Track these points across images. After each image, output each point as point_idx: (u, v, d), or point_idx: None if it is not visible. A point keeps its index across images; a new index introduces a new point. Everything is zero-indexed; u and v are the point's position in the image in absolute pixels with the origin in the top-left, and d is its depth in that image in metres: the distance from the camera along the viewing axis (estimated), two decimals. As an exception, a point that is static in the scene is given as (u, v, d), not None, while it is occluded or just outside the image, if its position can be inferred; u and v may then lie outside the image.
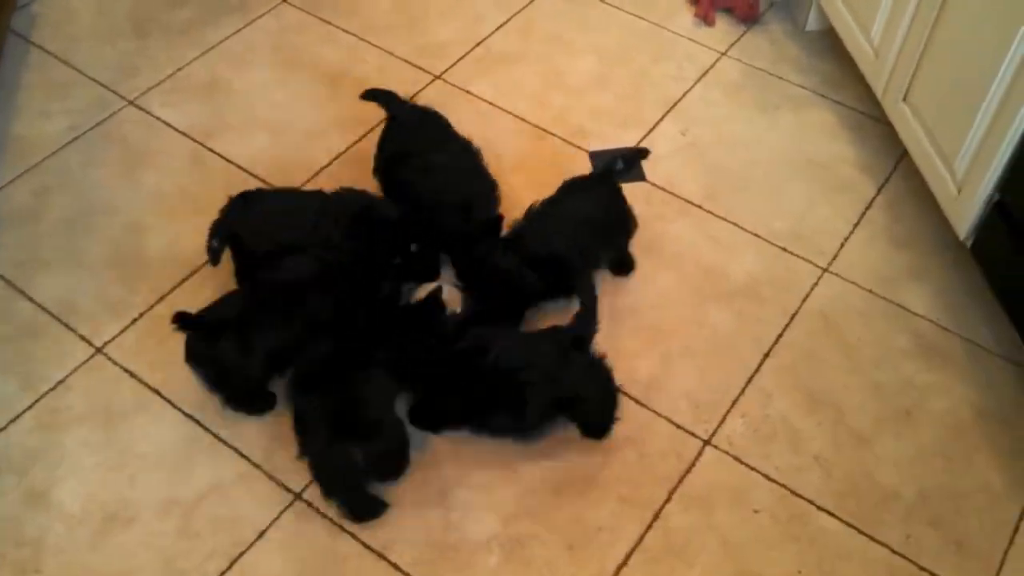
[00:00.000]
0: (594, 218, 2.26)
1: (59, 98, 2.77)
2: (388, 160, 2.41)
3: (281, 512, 1.99)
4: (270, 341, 2.03)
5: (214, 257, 2.21)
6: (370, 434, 1.93)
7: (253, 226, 2.21)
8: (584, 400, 2.05)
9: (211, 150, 2.65)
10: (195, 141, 2.67)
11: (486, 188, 2.39)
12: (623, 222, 2.35)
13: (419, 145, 2.37)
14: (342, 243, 2.19)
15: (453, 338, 2.06)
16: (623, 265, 2.39)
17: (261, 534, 1.96)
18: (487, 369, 1.99)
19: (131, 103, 2.77)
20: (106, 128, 2.70)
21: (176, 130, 2.70)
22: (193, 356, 2.04)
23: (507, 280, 2.19)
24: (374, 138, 2.50)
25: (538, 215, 2.27)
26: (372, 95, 2.49)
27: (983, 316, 2.32)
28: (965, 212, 2.21)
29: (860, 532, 1.99)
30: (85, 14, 3.03)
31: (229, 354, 2.00)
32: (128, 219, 2.48)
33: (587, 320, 2.04)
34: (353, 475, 1.94)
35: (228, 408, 2.11)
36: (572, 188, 2.32)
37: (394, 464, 2.02)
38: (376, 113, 2.50)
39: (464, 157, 2.40)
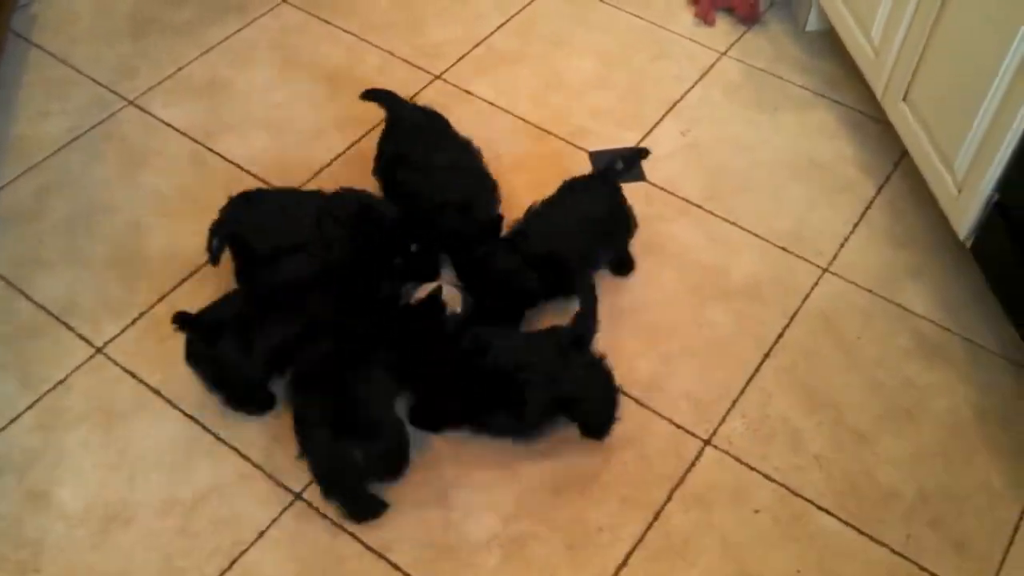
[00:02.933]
0: (594, 218, 2.26)
1: (59, 98, 2.77)
2: (388, 160, 2.41)
3: (281, 512, 1.99)
4: (270, 341, 2.03)
5: (214, 257, 2.21)
6: (370, 434, 1.93)
7: (253, 226, 2.21)
8: (584, 400, 2.04)
9: (211, 150, 2.65)
10: (195, 141, 2.67)
11: (486, 188, 2.39)
12: (623, 222, 2.35)
13: (419, 145, 2.37)
14: (342, 243, 2.19)
15: (453, 338, 2.05)
16: (623, 265, 2.39)
17: (261, 534, 1.96)
18: (487, 369, 1.99)
19: (131, 103, 2.77)
20: (106, 128, 2.70)
21: (176, 130, 2.70)
22: (193, 356, 2.04)
23: (507, 280, 2.19)
24: (374, 138, 2.50)
25: (538, 215, 2.27)
26: (372, 95, 2.49)
27: (983, 316, 2.32)
28: (965, 212, 2.21)
29: (860, 532, 1.99)
30: (85, 14, 3.03)
31: (229, 354, 2.00)
32: (128, 219, 2.48)
33: (587, 320, 2.04)
34: (353, 475, 1.94)
35: (228, 408, 2.11)
36: (572, 188, 2.32)
37: (394, 464, 2.01)
38: (376, 113, 2.49)
39: (464, 157, 2.40)
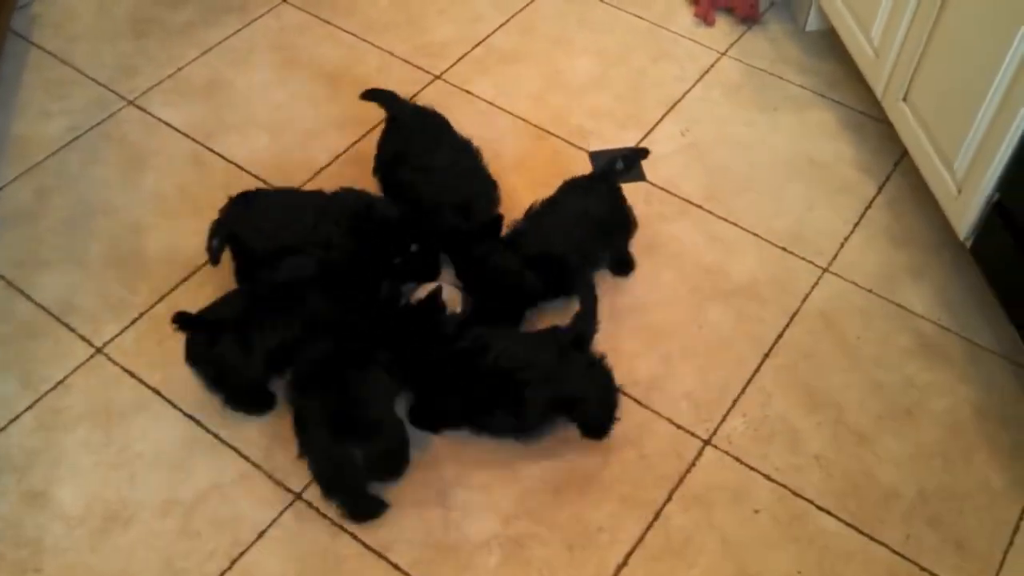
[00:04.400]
0: (594, 218, 2.26)
1: (59, 98, 2.77)
2: (388, 160, 2.41)
3: (281, 512, 1.99)
4: (270, 341, 2.03)
5: (214, 257, 2.21)
6: (370, 434, 1.93)
7: (253, 226, 2.21)
8: (584, 400, 2.04)
9: (211, 150, 2.65)
10: (195, 141, 2.67)
11: (486, 188, 2.39)
12: (623, 222, 2.35)
13: (419, 145, 2.37)
14: (342, 243, 2.19)
15: (453, 338, 2.05)
16: (623, 265, 2.39)
17: (261, 534, 1.96)
18: (487, 369, 1.99)
19: (131, 103, 2.77)
20: (106, 128, 2.70)
21: (176, 130, 2.70)
22: (193, 356, 2.04)
23: (506, 280, 2.19)
24: (374, 138, 2.50)
25: (538, 215, 2.27)
26: (372, 95, 2.49)
27: (983, 316, 2.32)
28: (965, 212, 2.21)
29: (860, 532, 1.99)
30: (85, 14, 3.03)
31: (229, 354, 2.00)
32: (128, 219, 2.48)
33: (587, 320, 2.04)
34: (353, 475, 1.94)
35: (228, 408, 2.11)
36: (572, 188, 2.32)
37: (394, 464, 2.02)
38: (376, 113, 2.49)
39: (464, 157, 2.40)
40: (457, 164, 2.37)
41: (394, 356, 2.00)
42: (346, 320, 2.05)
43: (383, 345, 2.00)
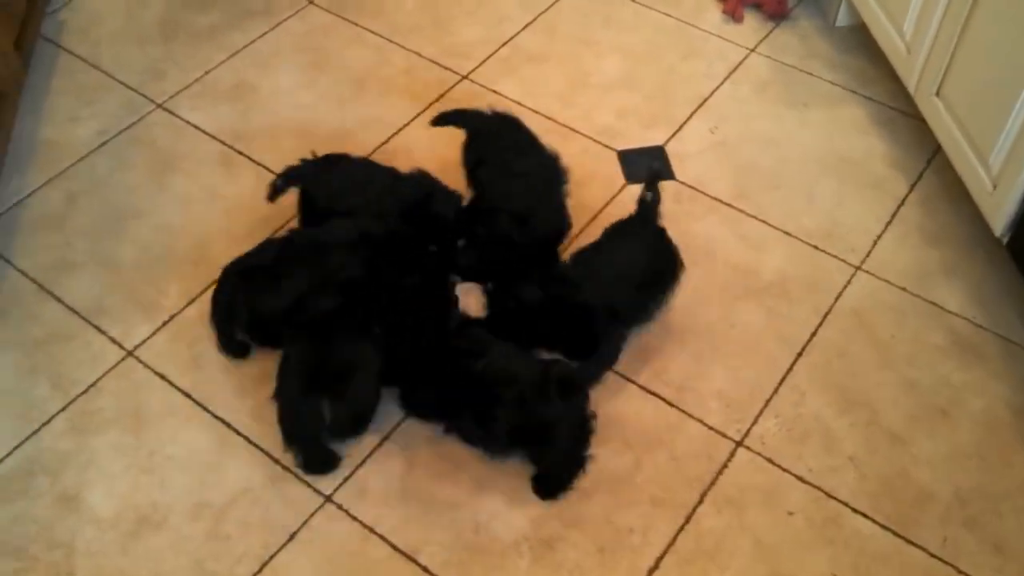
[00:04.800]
0: (639, 268, 2.18)
1: (88, 102, 2.79)
2: (472, 166, 2.39)
3: (311, 515, 1.99)
4: (295, 289, 2.09)
5: (273, 193, 2.28)
6: (341, 394, 1.99)
7: (323, 184, 2.30)
8: (549, 443, 1.97)
9: (239, 152, 2.66)
10: (223, 144, 2.68)
11: (551, 205, 2.32)
12: (669, 270, 2.25)
13: (503, 149, 2.36)
14: (394, 220, 2.23)
15: (452, 334, 2.06)
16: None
17: (292, 536, 1.96)
18: (471, 373, 1.97)
19: (160, 107, 2.78)
20: (135, 132, 2.72)
21: (204, 133, 2.71)
22: (216, 295, 2.17)
23: (524, 316, 2.14)
24: (402, 139, 2.50)
25: (582, 261, 2.19)
26: (444, 120, 2.45)
27: (1019, 313, 2.29)
28: (1001, 208, 2.18)
29: (896, 534, 1.96)
30: (113, 19, 3.04)
31: (259, 292, 2.11)
32: (157, 222, 2.49)
33: (591, 370, 2.00)
34: (315, 427, 1.99)
35: (225, 353, 2.18)
36: (618, 233, 2.24)
37: (354, 426, 2.06)
38: (401, 115, 2.49)
39: (543, 170, 2.36)
40: (533, 174, 2.34)
41: (388, 331, 2.04)
42: (360, 288, 2.10)
43: (383, 318, 2.04)
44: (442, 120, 2.46)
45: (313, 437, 2.01)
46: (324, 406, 2.00)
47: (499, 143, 2.37)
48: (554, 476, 2.01)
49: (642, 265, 2.19)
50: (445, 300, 2.12)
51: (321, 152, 2.35)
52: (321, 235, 2.20)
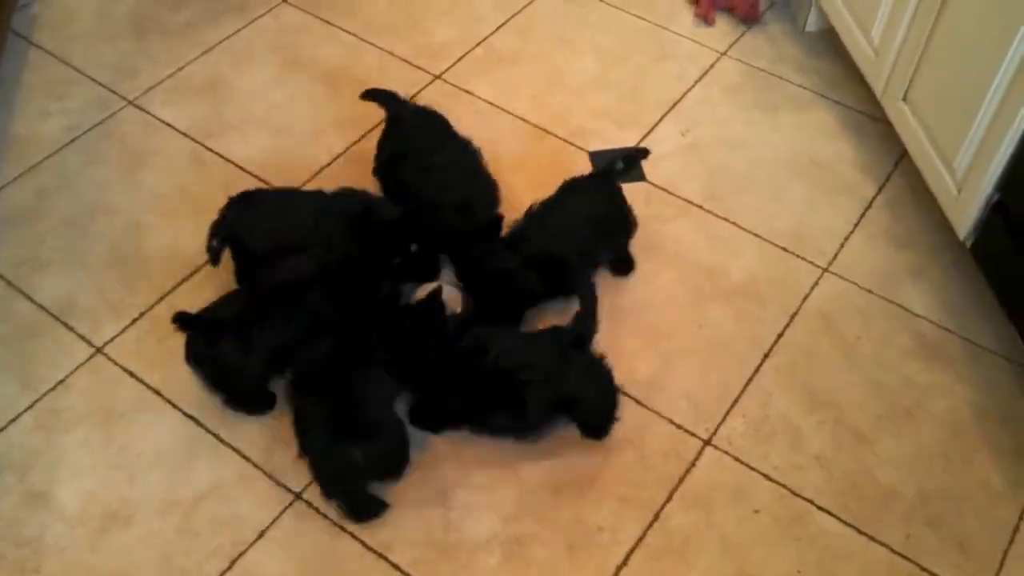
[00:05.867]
0: (594, 218, 2.26)
1: (59, 98, 2.77)
2: (388, 160, 2.41)
3: (281, 512, 1.99)
4: (270, 340, 2.02)
5: (214, 257, 2.21)
6: (370, 434, 1.92)
7: (253, 226, 2.21)
8: (584, 400, 2.04)
9: (211, 150, 2.65)
10: (195, 141, 2.67)
11: (486, 188, 2.38)
12: (623, 222, 2.35)
13: (419, 144, 2.37)
14: (342, 243, 2.19)
15: (453, 338, 2.05)
16: (623, 265, 2.39)
17: (261, 534, 1.96)
18: (487, 369, 1.99)
19: (131, 103, 2.77)
20: (106, 128, 2.70)
21: (176, 130, 2.70)
22: (193, 356, 2.04)
23: (507, 280, 2.19)
24: (374, 138, 2.50)
25: (537, 215, 2.26)
26: (372, 95, 2.49)
27: (983, 316, 2.32)
28: (965, 212, 2.21)
29: (860, 532, 1.99)
30: (85, 14, 3.02)
31: (229, 354, 2.00)
32: (128, 219, 2.48)
33: (587, 320, 2.04)
34: (353, 475, 1.93)
35: (228, 408, 2.11)
36: (572, 188, 2.31)
37: (394, 464, 2.01)
38: (376, 113, 2.49)
39: (464, 157, 2.40)
40: (457, 164, 2.37)
41: (393, 356, 2.00)
42: (346, 320, 2.05)
43: (383, 345, 2.00)
44: (371, 95, 2.49)
45: (354, 486, 1.96)
46: (355, 452, 1.91)
47: (417, 136, 2.39)
48: (604, 421, 2.08)
49: (596, 216, 2.26)
50: (436, 308, 2.11)
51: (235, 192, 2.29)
52: (280, 277, 2.10)
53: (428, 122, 2.44)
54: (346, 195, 2.28)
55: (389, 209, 2.27)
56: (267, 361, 2.05)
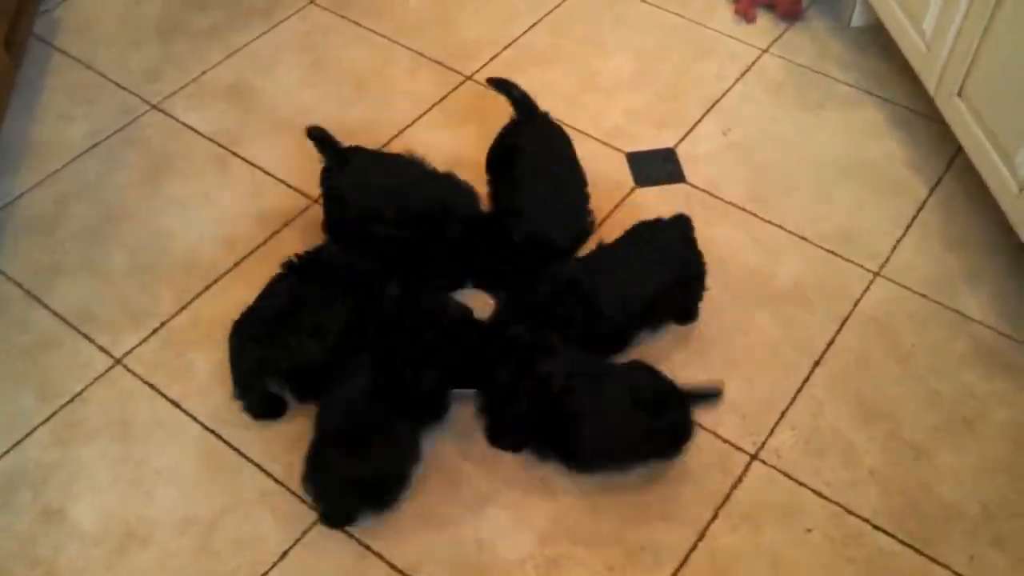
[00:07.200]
0: (663, 279, 2.11)
1: (82, 103, 2.72)
2: (501, 153, 2.31)
3: (305, 531, 1.90)
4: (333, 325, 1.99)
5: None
6: (383, 495, 1.91)
7: (358, 187, 2.21)
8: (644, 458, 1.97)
9: (236, 155, 2.58)
10: (220, 146, 2.61)
11: (569, 222, 2.27)
12: (694, 276, 2.17)
13: (536, 153, 2.28)
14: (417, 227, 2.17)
15: (495, 338, 1.98)
16: (687, 315, 2.23)
17: (284, 554, 1.88)
18: (560, 410, 1.91)
19: (154, 107, 2.71)
20: (129, 133, 2.64)
21: (200, 134, 2.64)
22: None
23: (549, 321, 2.06)
24: (403, 140, 2.42)
25: (603, 266, 2.11)
26: (500, 86, 2.38)
27: (1046, 321, 2.20)
28: (1027, 211, 2.10)
29: (919, 552, 1.87)
30: (109, 19, 2.97)
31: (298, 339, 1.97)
32: (150, 226, 2.42)
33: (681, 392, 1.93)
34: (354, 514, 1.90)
35: (246, 415, 2.04)
36: (640, 234, 2.16)
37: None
38: (407, 115, 2.42)
39: (568, 182, 2.29)
40: (559, 186, 2.26)
41: (443, 376, 1.96)
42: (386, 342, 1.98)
43: (381, 345, 1.95)
44: (498, 85, 2.38)
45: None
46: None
47: (538, 143, 2.30)
48: (680, 435, 1.96)
49: (661, 274, 2.11)
50: (470, 322, 2.04)
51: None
52: (329, 261, 2.09)
53: (551, 135, 2.35)
54: (443, 181, 2.24)
55: (470, 202, 2.23)
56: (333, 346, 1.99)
